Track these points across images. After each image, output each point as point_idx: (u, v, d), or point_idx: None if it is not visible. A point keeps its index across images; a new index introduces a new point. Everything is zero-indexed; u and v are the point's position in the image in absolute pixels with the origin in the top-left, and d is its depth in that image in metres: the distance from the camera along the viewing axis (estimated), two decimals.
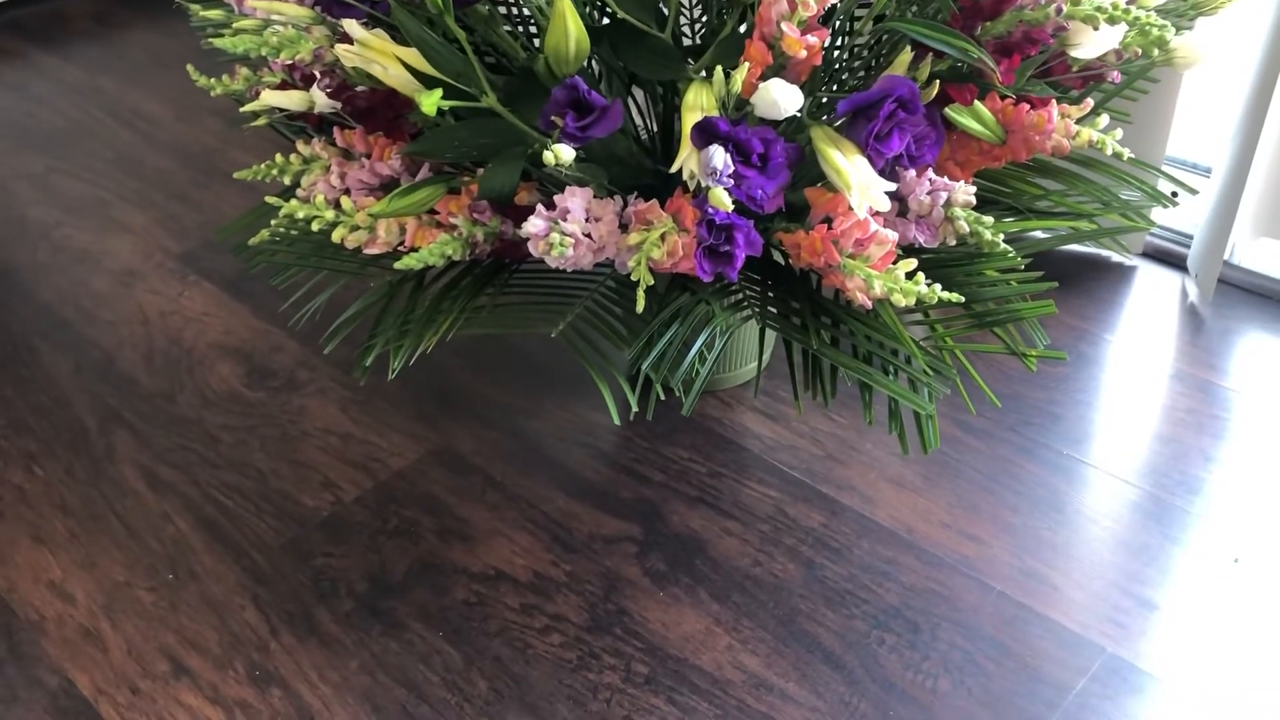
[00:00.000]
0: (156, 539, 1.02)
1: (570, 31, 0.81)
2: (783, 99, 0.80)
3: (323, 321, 1.24)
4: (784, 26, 0.79)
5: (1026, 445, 1.07)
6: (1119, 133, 0.87)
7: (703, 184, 0.79)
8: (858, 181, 0.79)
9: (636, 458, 1.07)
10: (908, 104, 0.81)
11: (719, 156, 0.78)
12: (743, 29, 0.91)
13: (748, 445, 1.08)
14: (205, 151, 1.63)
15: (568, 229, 0.81)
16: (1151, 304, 1.26)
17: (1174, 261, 1.31)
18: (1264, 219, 1.20)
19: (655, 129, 1.06)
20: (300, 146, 0.99)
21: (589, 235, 0.83)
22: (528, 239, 0.81)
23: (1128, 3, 0.90)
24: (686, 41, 1.05)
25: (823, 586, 0.94)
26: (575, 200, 0.83)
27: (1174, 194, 1.41)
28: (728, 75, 0.81)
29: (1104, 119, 0.89)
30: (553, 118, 0.82)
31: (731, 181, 0.78)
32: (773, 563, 0.96)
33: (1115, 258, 1.32)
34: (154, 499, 1.06)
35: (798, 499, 1.02)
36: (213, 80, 1.00)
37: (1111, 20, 0.80)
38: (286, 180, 0.98)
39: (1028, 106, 0.88)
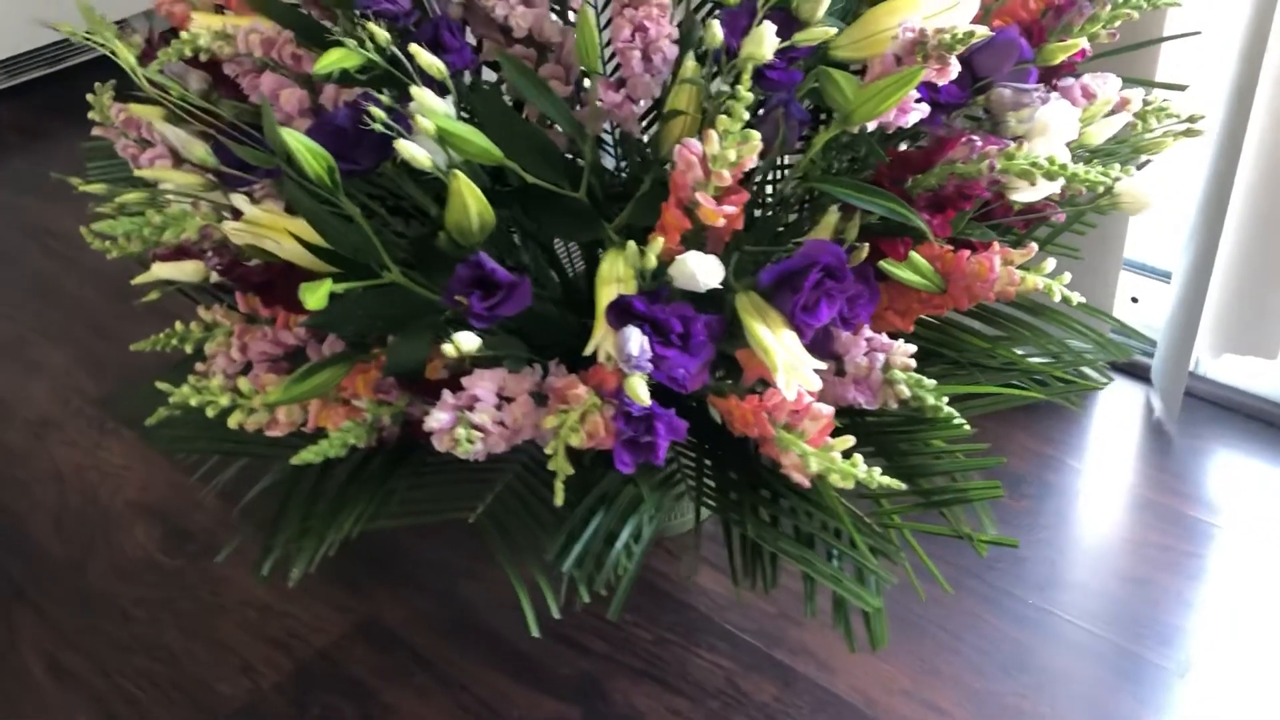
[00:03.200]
0: None
1: (471, 208, 0.75)
2: (701, 272, 0.74)
3: (242, 477, 1.17)
4: (699, 197, 0.73)
5: (990, 594, 1.00)
6: (1067, 276, 0.82)
7: (621, 369, 0.73)
8: (784, 361, 0.73)
9: (577, 624, 1.00)
10: (835, 272, 0.75)
11: (634, 342, 0.71)
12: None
13: (696, 604, 1.02)
14: (129, 276, 1.56)
15: (476, 420, 0.74)
16: (1117, 421, 1.20)
17: (1139, 373, 1.25)
18: (1224, 335, 1.14)
19: (582, 276, 1.00)
20: (201, 312, 0.93)
21: (501, 423, 0.76)
22: (431, 434, 0.74)
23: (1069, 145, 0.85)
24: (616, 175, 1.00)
25: None
26: (484, 385, 0.76)
27: (1134, 299, 1.37)
28: (642, 248, 0.75)
29: (1050, 263, 0.84)
30: (457, 297, 0.76)
31: (650, 366, 0.72)
32: None
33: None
34: (56, 692, 0.98)
35: (750, 668, 0.95)
36: (108, 243, 0.94)
37: (1049, 176, 0.75)
38: (188, 349, 0.92)
39: (968, 253, 0.83)
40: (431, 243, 0.86)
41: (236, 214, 0.82)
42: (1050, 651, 0.95)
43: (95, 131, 0.98)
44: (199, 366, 0.91)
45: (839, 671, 0.94)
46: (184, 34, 0.81)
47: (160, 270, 0.88)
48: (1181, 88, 0.94)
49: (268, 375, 0.88)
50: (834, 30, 0.74)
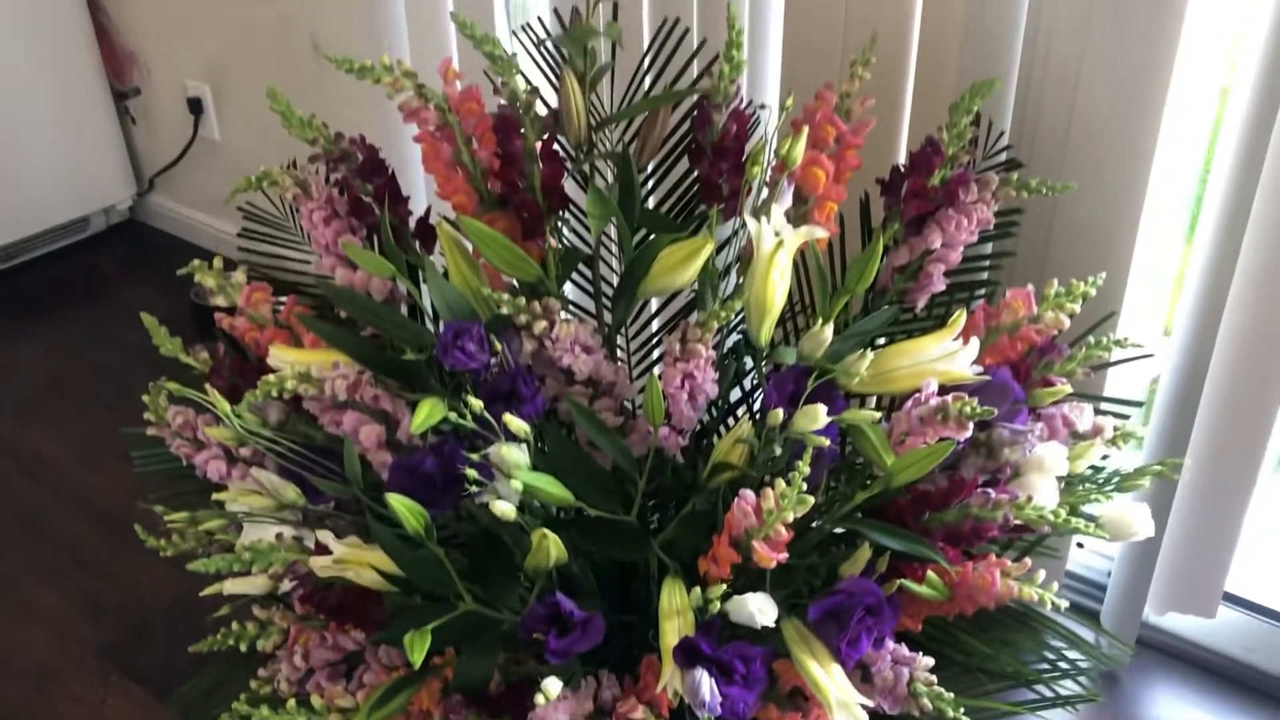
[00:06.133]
0: None
1: (552, 554, 0.83)
2: (759, 612, 0.83)
3: None
4: (756, 544, 0.82)
5: None
6: (1055, 585, 0.93)
7: (694, 710, 0.81)
8: (838, 699, 0.82)
9: None
10: (875, 609, 0.85)
11: (706, 687, 0.80)
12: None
13: None
14: (117, 507, 1.58)
15: None
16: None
17: (1086, 614, 1.37)
18: (1169, 593, 1.27)
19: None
20: (257, 612, 0.98)
21: None
22: None
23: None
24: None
25: None
26: (561, 718, 0.83)
27: (1079, 544, 1.50)
28: (705, 593, 0.84)
29: (1041, 574, 0.95)
30: (535, 635, 0.83)
31: (720, 709, 0.80)
32: None
33: None
34: None
35: None
36: (163, 541, 1.00)
37: (1056, 529, 0.86)
38: (243, 647, 0.98)
39: (972, 567, 0.94)
40: (486, 546, 0.93)
41: (318, 543, 0.89)
42: None
43: (150, 431, 1.03)
44: (262, 672, 0.96)
45: None
46: (271, 377, 0.88)
47: (231, 586, 0.94)
48: (1139, 404, 1.08)
49: (332, 686, 0.93)
50: (878, 415, 0.85)
